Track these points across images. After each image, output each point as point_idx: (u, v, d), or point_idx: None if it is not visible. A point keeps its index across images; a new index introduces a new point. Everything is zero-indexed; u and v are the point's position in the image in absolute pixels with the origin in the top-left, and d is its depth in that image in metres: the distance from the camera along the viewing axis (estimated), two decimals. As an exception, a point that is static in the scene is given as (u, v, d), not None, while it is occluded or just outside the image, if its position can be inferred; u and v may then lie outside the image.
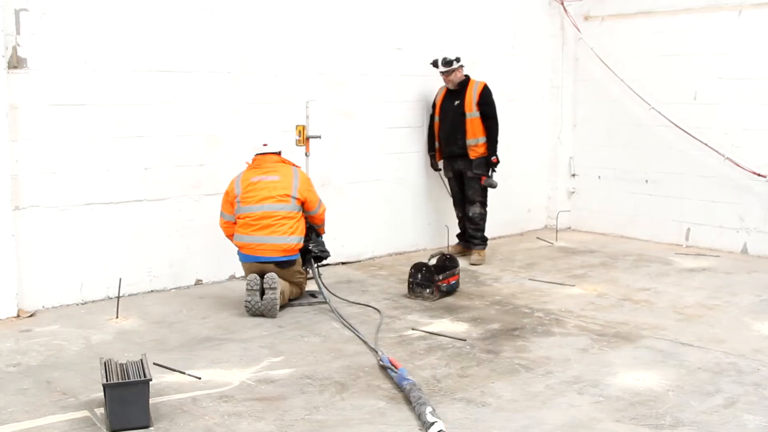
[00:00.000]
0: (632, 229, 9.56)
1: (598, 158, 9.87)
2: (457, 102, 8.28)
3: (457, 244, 8.68)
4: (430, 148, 8.67)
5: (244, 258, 6.46)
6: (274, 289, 6.19)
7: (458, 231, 8.73)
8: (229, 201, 6.52)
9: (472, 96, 8.22)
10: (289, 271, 6.47)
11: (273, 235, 6.34)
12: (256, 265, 6.38)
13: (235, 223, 6.51)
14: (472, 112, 8.22)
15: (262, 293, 6.24)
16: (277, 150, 6.65)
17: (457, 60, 8.17)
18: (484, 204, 8.44)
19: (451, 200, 8.73)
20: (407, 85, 8.56)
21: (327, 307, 6.50)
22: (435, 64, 8.26)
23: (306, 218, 6.60)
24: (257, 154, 6.60)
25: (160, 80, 6.84)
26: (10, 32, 6.07)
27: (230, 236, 6.60)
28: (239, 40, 7.27)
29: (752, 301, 6.80)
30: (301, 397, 4.67)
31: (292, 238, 6.39)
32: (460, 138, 8.26)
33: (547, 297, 6.93)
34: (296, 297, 6.64)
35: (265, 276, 6.24)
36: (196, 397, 4.65)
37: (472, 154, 8.24)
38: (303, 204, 6.50)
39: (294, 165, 6.67)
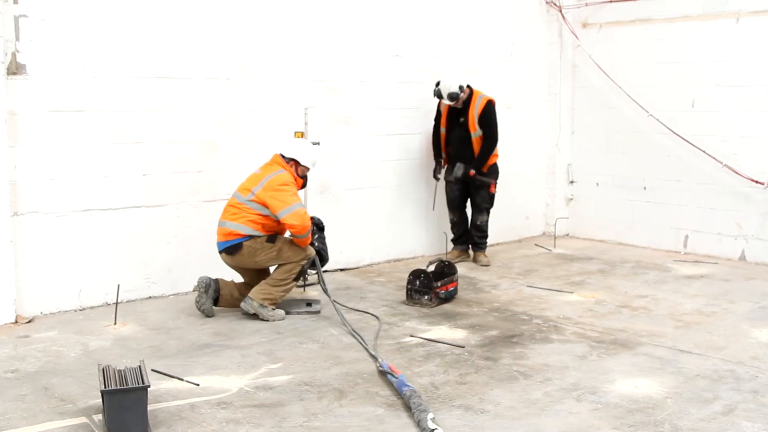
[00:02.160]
0: (630, 236, 9.57)
1: (596, 165, 9.88)
2: (461, 119, 8.29)
3: (454, 249, 8.69)
4: (437, 153, 8.60)
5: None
6: (201, 293, 6.39)
7: (452, 236, 8.72)
8: None
9: (474, 115, 8.23)
10: (240, 256, 6.37)
11: (224, 219, 6.43)
12: (221, 255, 6.49)
13: None
14: (476, 132, 8.27)
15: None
16: (288, 155, 6.53)
17: (461, 88, 8.09)
18: (489, 211, 8.55)
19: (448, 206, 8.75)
20: (405, 92, 8.56)
21: (325, 313, 6.49)
22: (438, 95, 8.16)
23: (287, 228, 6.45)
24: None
25: (158, 87, 6.85)
26: (9, 38, 6.08)
27: None
28: (238, 46, 7.28)
29: (750, 308, 6.81)
30: (300, 404, 4.66)
31: (234, 225, 6.34)
32: (469, 155, 8.33)
33: (546, 304, 6.94)
34: (284, 283, 6.42)
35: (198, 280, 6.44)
36: (195, 403, 4.65)
37: (483, 167, 8.34)
38: (265, 206, 6.34)
39: (284, 169, 6.47)
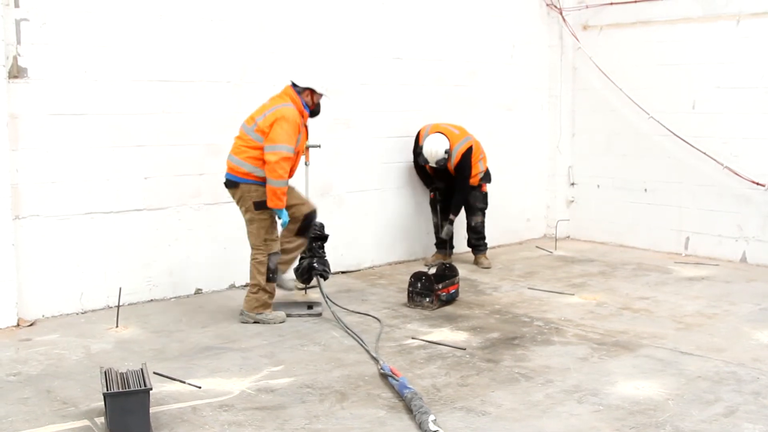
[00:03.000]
0: (631, 238, 9.57)
1: (597, 167, 9.88)
2: (444, 171, 8.30)
3: (437, 252, 8.65)
4: (428, 183, 8.54)
5: None
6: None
7: (435, 240, 8.71)
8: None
9: (452, 166, 8.23)
10: (236, 191, 6.30)
11: (231, 153, 6.34)
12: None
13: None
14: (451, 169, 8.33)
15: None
16: (302, 84, 6.35)
17: (447, 152, 8.05)
18: (484, 212, 8.53)
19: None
20: (406, 94, 8.57)
21: (326, 316, 6.50)
22: (425, 161, 8.13)
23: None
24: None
25: (160, 90, 6.86)
26: (10, 42, 6.09)
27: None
28: (239, 49, 7.29)
29: (751, 310, 6.81)
30: (301, 407, 4.67)
31: (236, 160, 6.25)
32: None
33: (547, 306, 6.94)
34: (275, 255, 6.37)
35: None
36: (196, 406, 4.66)
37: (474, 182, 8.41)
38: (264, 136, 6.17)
39: (293, 103, 6.26)
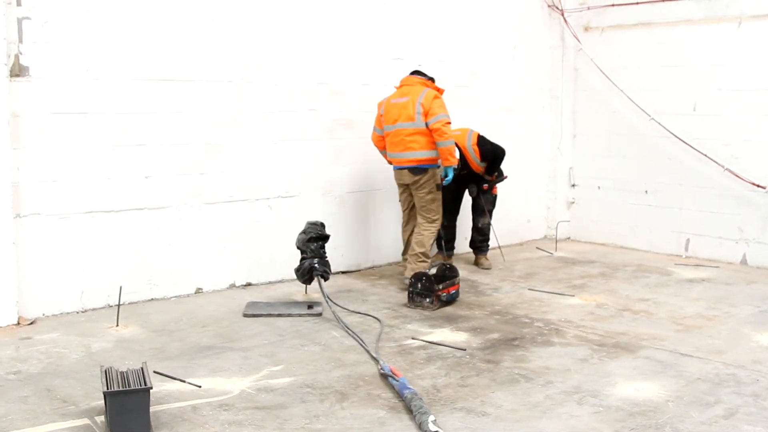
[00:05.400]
0: (632, 240, 9.57)
1: (598, 168, 9.89)
2: (464, 172, 8.18)
3: (438, 253, 8.62)
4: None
5: (394, 167, 7.60)
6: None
7: (443, 240, 8.67)
8: (377, 118, 7.58)
9: (474, 160, 8.20)
10: (420, 178, 7.35)
11: (405, 151, 7.33)
12: (398, 172, 7.52)
13: (383, 137, 7.54)
14: (481, 170, 8.34)
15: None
16: (427, 75, 7.49)
17: (458, 161, 8.00)
18: (491, 213, 8.55)
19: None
20: (408, 94, 8.56)
21: (327, 315, 6.50)
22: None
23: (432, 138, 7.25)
24: (408, 75, 7.56)
25: (161, 89, 6.86)
26: (12, 40, 6.09)
27: (378, 147, 7.70)
28: (240, 49, 7.29)
29: (751, 312, 6.81)
30: (301, 406, 4.67)
31: (422, 153, 7.30)
32: (477, 177, 8.38)
33: (547, 307, 6.94)
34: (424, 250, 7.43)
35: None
36: (196, 405, 4.66)
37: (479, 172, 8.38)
38: (427, 115, 7.18)
39: (429, 87, 7.36)
